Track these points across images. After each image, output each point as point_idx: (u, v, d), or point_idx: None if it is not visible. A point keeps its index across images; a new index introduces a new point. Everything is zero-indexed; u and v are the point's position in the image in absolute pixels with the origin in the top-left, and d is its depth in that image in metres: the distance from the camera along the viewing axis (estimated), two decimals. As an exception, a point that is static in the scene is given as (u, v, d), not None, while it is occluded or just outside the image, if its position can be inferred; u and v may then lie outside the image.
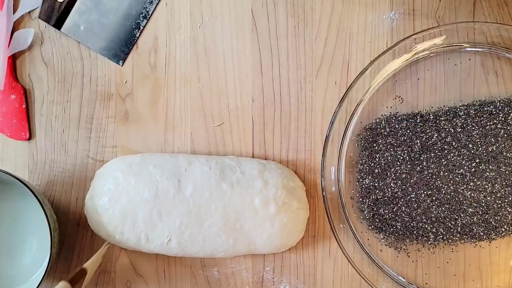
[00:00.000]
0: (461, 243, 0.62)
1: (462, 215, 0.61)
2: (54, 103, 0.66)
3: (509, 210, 0.60)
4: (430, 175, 0.61)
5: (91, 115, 0.66)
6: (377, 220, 0.62)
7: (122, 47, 0.65)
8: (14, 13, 0.65)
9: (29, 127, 0.66)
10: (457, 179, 0.61)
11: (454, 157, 0.61)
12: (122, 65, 0.65)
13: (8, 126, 0.66)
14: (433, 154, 0.61)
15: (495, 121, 0.61)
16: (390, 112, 0.63)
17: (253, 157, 0.64)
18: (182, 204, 0.58)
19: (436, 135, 0.61)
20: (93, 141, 0.66)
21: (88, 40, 0.65)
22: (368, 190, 0.62)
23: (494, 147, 0.61)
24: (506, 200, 0.60)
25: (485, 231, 0.61)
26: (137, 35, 0.65)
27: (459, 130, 0.61)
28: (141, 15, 0.65)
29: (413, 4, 0.63)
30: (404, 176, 0.62)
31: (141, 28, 0.65)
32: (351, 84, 0.61)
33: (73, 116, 0.66)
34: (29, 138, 0.66)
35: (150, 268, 0.65)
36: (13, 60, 0.66)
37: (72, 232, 0.65)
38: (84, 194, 0.64)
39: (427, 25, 0.62)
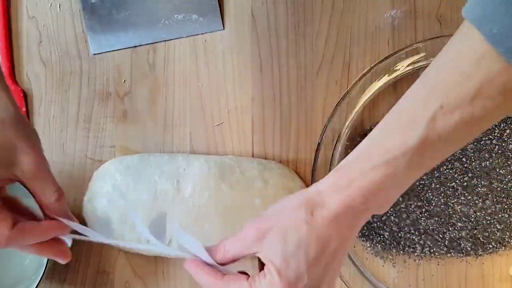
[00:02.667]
0: (447, 257, 0.61)
1: (450, 228, 0.61)
2: (52, 102, 0.66)
3: (498, 227, 0.60)
4: (421, 186, 0.61)
5: (89, 115, 0.65)
6: (364, 228, 0.62)
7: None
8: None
9: (28, 128, 0.65)
10: (448, 192, 0.61)
11: (447, 170, 0.61)
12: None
13: (7, 128, 0.65)
14: (425, 166, 0.61)
15: (490, 136, 0.60)
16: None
17: (253, 157, 0.64)
18: (182, 205, 0.58)
19: None
20: (92, 141, 0.65)
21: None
22: None
23: (487, 162, 0.60)
24: (496, 217, 0.60)
25: (473, 247, 0.60)
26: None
27: None
28: (140, 14, 0.65)
29: (414, 3, 0.62)
30: None
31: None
32: (348, 90, 0.61)
33: (71, 115, 0.65)
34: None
35: (149, 269, 0.64)
36: (12, 61, 0.66)
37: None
38: (83, 195, 0.64)
39: (429, 24, 0.62)
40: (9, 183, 0.40)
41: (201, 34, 0.65)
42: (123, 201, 0.58)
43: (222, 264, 0.41)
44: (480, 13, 0.31)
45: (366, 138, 0.38)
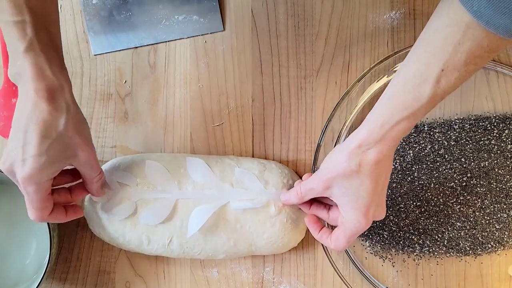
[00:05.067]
0: (446, 256, 0.62)
1: (449, 228, 0.61)
2: (53, 103, 0.66)
3: (497, 226, 0.60)
4: (420, 186, 0.61)
5: (90, 115, 0.66)
6: None
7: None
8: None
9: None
10: (447, 192, 0.61)
11: (446, 170, 0.61)
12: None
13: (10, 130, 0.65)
14: (425, 166, 0.61)
15: (489, 136, 0.61)
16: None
17: (253, 157, 0.64)
18: (182, 205, 0.58)
19: (430, 146, 0.61)
20: (93, 141, 0.65)
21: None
22: None
23: (486, 162, 0.61)
24: (495, 217, 0.60)
25: (472, 246, 0.61)
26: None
27: (452, 143, 0.61)
28: (140, 15, 0.65)
29: (413, 4, 0.63)
30: (394, 185, 0.61)
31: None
32: (348, 90, 0.61)
33: (73, 116, 0.65)
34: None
35: (150, 269, 0.64)
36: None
37: (71, 233, 0.65)
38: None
39: (428, 25, 0.62)
40: (59, 171, 0.50)
41: (202, 35, 0.65)
42: (125, 200, 0.58)
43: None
44: None
45: (382, 97, 0.48)
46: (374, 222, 0.61)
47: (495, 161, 0.61)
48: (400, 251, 0.62)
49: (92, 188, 0.55)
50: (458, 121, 0.61)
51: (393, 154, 0.49)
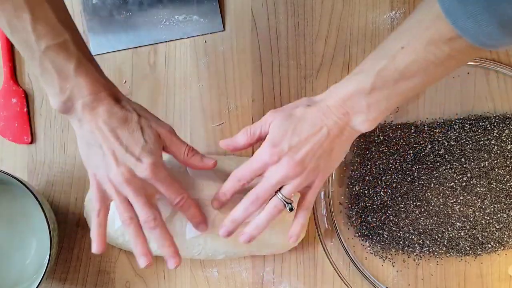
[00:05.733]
0: (446, 256, 0.62)
1: (449, 228, 0.61)
2: (53, 103, 0.66)
3: (497, 226, 0.60)
4: (420, 186, 0.61)
5: (90, 115, 0.65)
6: (364, 228, 0.62)
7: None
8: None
9: (31, 130, 0.66)
10: (447, 192, 0.61)
11: (446, 170, 0.61)
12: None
13: (10, 130, 0.65)
14: (425, 166, 0.61)
15: (489, 136, 0.61)
16: (385, 121, 0.62)
17: (253, 157, 0.64)
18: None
19: (430, 146, 0.61)
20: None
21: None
22: (357, 197, 0.62)
23: (486, 162, 0.61)
24: (495, 217, 0.60)
25: (472, 246, 0.61)
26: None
27: (452, 143, 0.61)
28: (140, 15, 0.65)
29: (413, 4, 0.63)
30: (394, 185, 0.61)
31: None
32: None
33: (73, 116, 0.65)
34: (31, 142, 0.66)
35: (150, 269, 0.64)
36: (13, 61, 0.66)
37: (71, 233, 0.65)
38: (84, 195, 0.64)
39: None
40: (162, 152, 0.52)
41: (202, 35, 0.65)
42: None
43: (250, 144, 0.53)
44: None
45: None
46: (374, 222, 0.61)
47: (495, 161, 0.61)
48: (400, 251, 0.62)
49: (194, 165, 0.54)
50: (458, 121, 0.61)
51: (346, 121, 0.48)
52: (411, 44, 0.44)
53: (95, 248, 0.51)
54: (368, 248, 0.63)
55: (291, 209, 0.51)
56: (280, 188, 0.50)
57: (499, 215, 0.60)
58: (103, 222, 0.51)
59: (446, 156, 0.61)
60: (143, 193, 0.49)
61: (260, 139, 0.52)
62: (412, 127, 0.62)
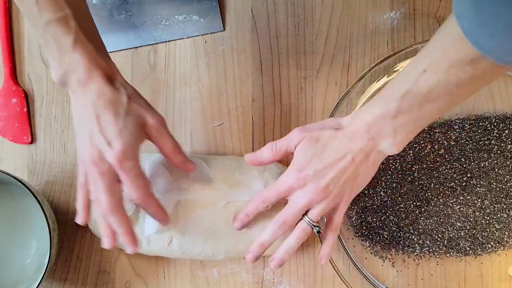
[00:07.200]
0: (446, 256, 0.62)
1: (449, 228, 0.61)
2: (53, 103, 0.66)
3: (497, 226, 0.60)
4: (420, 186, 0.61)
5: (90, 115, 0.65)
6: (364, 228, 0.62)
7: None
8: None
9: (31, 130, 0.66)
10: (447, 192, 0.61)
11: (446, 170, 0.61)
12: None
13: (10, 130, 0.65)
14: (425, 166, 0.61)
15: (489, 136, 0.61)
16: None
17: (253, 157, 0.64)
18: (182, 206, 0.58)
19: (429, 146, 0.61)
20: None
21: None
22: (357, 197, 0.62)
23: (486, 162, 0.61)
24: (495, 217, 0.60)
25: (472, 246, 0.61)
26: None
27: (452, 143, 0.61)
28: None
29: (413, 4, 0.63)
30: (394, 185, 0.61)
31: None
32: (348, 90, 0.61)
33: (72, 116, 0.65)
34: (31, 142, 0.66)
35: (150, 269, 0.64)
36: (13, 62, 0.66)
37: (71, 233, 0.65)
38: (84, 195, 0.64)
39: (428, 25, 0.62)
40: (142, 143, 0.51)
41: (202, 35, 0.65)
42: (124, 201, 0.58)
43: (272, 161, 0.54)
44: (458, 10, 0.41)
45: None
46: (374, 222, 0.61)
47: (495, 161, 0.61)
48: (400, 251, 0.62)
49: (177, 162, 0.53)
50: (458, 121, 0.61)
51: (372, 144, 0.49)
52: (432, 67, 0.44)
53: (79, 219, 0.52)
54: (368, 248, 0.63)
55: (318, 232, 0.53)
56: (306, 212, 0.52)
57: (499, 215, 0.60)
58: (87, 195, 0.52)
59: (446, 156, 0.61)
60: (107, 179, 0.49)
61: (285, 156, 0.53)
62: (412, 127, 0.62)
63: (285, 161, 0.64)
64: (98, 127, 0.48)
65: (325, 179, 0.49)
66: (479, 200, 0.61)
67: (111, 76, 0.50)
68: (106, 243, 0.51)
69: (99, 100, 0.48)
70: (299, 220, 0.52)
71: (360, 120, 0.49)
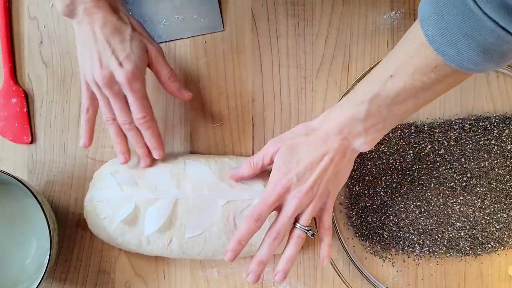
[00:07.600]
0: (446, 256, 0.62)
1: (449, 228, 0.61)
2: (53, 103, 0.66)
3: (497, 226, 0.60)
4: (420, 186, 0.61)
5: (90, 115, 0.65)
6: (364, 228, 0.62)
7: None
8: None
9: (31, 130, 0.66)
10: (447, 192, 0.61)
11: (446, 170, 0.61)
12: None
13: (10, 130, 0.65)
14: (425, 166, 0.61)
15: (489, 136, 0.61)
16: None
17: (253, 157, 0.64)
18: (182, 205, 0.58)
19: (430, 146, 0.61)
20: (93, 141, 0.65)
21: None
22: (357, 197, 0.62)
23: (486, 162, 0.61)
24: (495, 217, 0.61)
25: (472, 246, 0.61)
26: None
27: (452, 143, 0.61)
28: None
29: (413, 4, 0.63)
30: (394, 185, 0.61)
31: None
32: (348, 90, 0.61)
33: (72, 116, 0.66)
34: (31, 142, 0.66)
35: (150, 269, 0.64)
36: (13, 62, 0.66)
37: (71, 233, 0.65)
38: (83, 195, 0.64)
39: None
40: (146, 68, 0.56)
41: (202, 35, 0.65)
42: (124, 201, 0.58)
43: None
44: (422, 15, 0.42)
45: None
46: (374, 222, 0.61)
47: (495, 161, 0.61)
48: (400, 251, 0.62)
49: (172, 90, 0.58)
50: (458, 121, 0.61)
51: (346, 143, 0.51)
52: (398, 72, 0.46)
53: (82, 141, 0.57)
54: (368, 248, 0.63)
55: (312, 235, 0.53)
56: (297, 219, 0.52)
57: (499, 215, 0.60)
58: (91, 119, 0.57)
59: (446, 156, 0.61)
60: (121, 99, 0.54)
61: (263, 169, 0.56)
62: (412, 127, 0.62)
63: (285, 161, 0.64)
64: (110, 49, 0.52)
65: (308, 182, 0.51)
66: (479, 200, 0.61)
67: (116, 6, 0.53)
68: (121, 159, 0.57)
69: (106, 27, 0.52)
70: (292, 228, 0.53)
71: (332, 121, 0.51)
